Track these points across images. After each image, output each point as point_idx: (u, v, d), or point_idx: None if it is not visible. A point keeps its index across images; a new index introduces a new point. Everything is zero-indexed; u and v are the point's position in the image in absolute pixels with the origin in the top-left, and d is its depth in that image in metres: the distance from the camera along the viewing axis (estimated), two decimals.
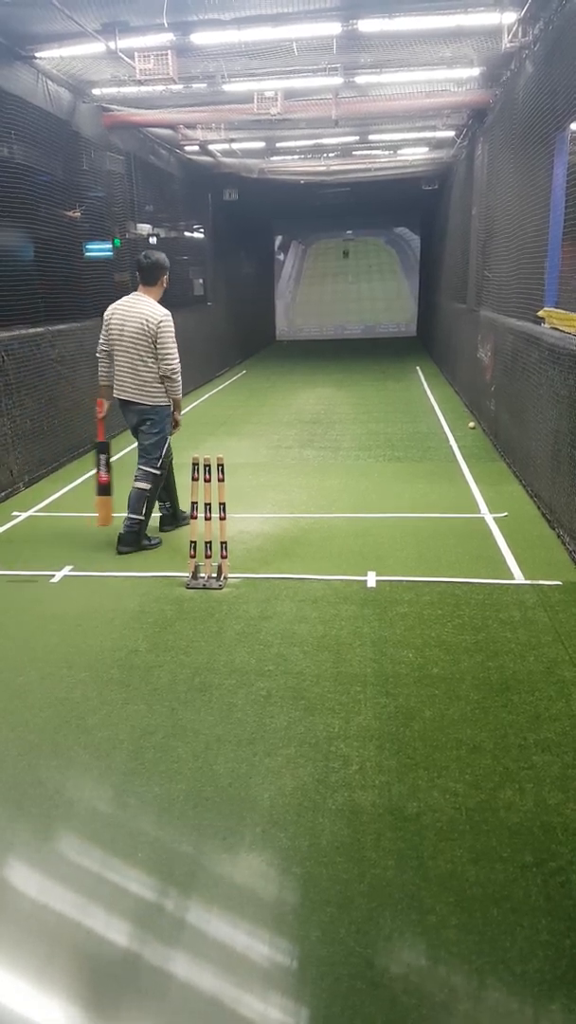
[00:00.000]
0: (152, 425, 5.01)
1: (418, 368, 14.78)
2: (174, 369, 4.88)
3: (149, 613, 4.07)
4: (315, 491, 6.32)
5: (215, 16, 6.50)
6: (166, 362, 4.84)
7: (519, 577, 4.38)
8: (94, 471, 5.33)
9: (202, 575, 4.43)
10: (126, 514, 4.99)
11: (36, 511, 5.96)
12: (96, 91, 8.42)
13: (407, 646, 3.60)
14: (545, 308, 5.90)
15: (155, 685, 3.34)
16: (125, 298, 4.99)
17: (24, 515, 5.84)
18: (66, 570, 4.67)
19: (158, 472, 5.04)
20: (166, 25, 6.51)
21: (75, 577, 4.59)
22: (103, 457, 5.18)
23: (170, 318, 4.87)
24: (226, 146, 11.66)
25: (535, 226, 6.30)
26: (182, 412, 5.26)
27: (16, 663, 3.57)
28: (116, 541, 4.98)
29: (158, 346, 4.81)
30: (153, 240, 11.27)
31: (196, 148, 11.56)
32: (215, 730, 2.99)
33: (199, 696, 3.24)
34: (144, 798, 2.62)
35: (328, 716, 3.06)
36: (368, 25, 6.65)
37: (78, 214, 8.22)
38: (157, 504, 5.29)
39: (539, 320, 5.93)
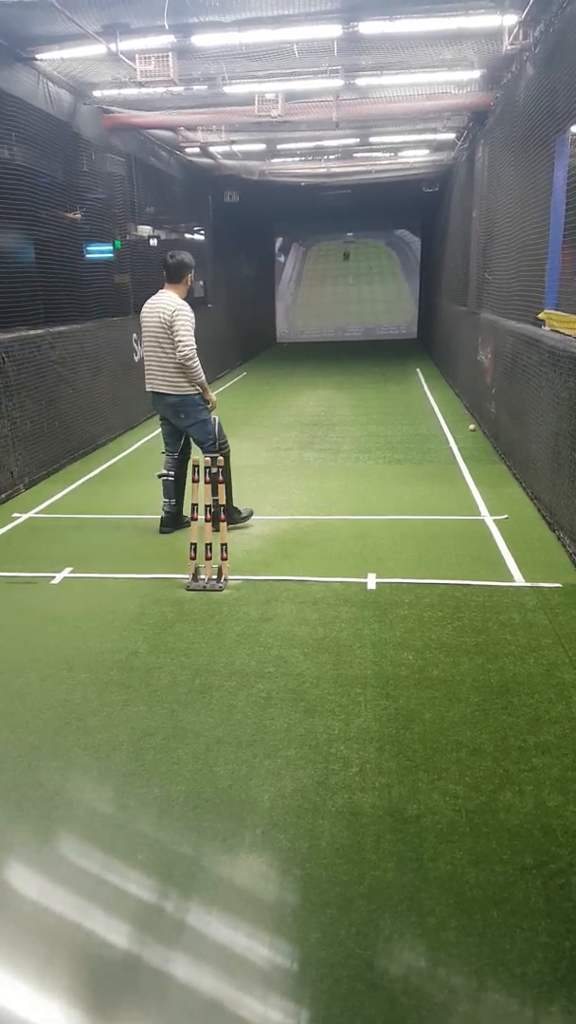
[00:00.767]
0: (187, 416, 5.17)
1: (418, 370, 14.79)
2: (187, 355, 4.98)
3: (149, 615, 4.07)
4: (315, 493, 6.32)
5: (216, 18, 6.51)
6: (179, 349, 4.97)
7: (519, 579, 4.38)
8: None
9: (202, 577, 4.43)
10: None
11: (36, 512, 5.96)
12: (97, 93, 8.43)
13: (407, 648, 3.60)
14: (545, 310, 5.90)
15: (155, 687, 3.34)
16: (152, 297, 5.18)
17: (24, 516, 5.84)
18: (66, 572, 4.67)
19: (220, 453, 5.08)
20: (167, 27, 6.51)
21: (75, 579, 4.59)
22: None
23: (186, 307, 5.03)
24: (227, 148, 11.68)
25: (535, 229, 6.31)
26: (212, 393, 5.32)
27: (16, 664, 3.57)
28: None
29: (172, 333, 4.97)
30: (154, 242, 11.28)
31: (197, 150, 11.58)
32: (215, 732, 2.99)
33: (199, 698, 3.24)
34: (144, 799, 2.62)
35: (328, 718, 3.06)
36: (369, 27, 6.66)
37: (78, 216, 8.22)
38: (162, 501, 5.34)
39: (539, 322, 5.94)
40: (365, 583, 4.36)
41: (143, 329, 5.16)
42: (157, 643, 3.74)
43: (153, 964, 1.99)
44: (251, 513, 5.49)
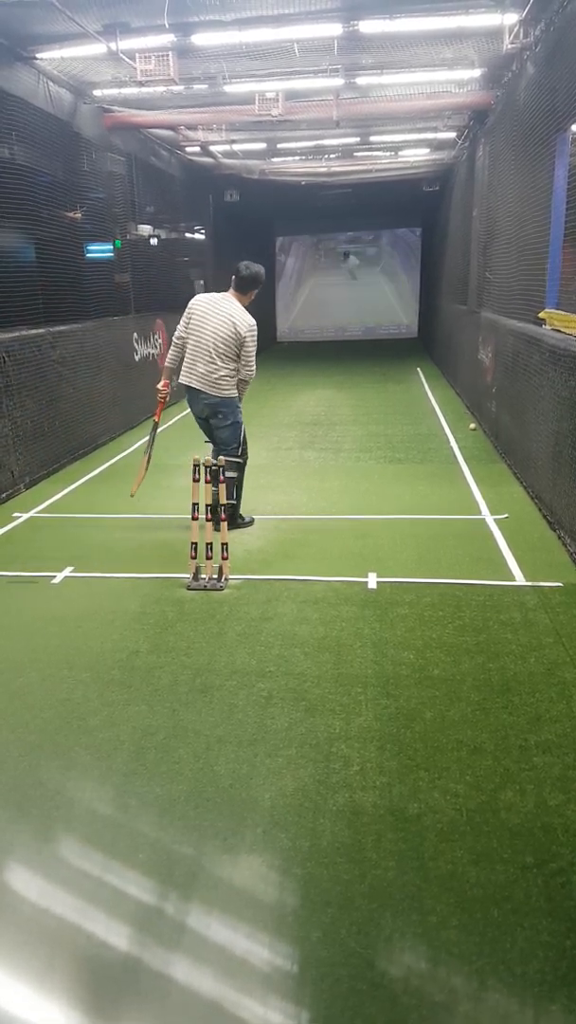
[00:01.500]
0: (224, 417, 5.16)
1: (419, 369, 14.78)
2: (253, 376, 5.17)
3: (150, 614, 4.07)
4: (316, 493, 6.32)
5: (216, 17, 6.50)
6: (248, 368, 5.09)
7: (520, 579, 4.38)
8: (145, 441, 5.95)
9: (203, 576, 4.43)
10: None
11: (37, 512, 5.96)
12: (97, 92, 8.43)
13: (408, 647, 3.60)
14: (546, 310, 5.90)
15: (156, 686, 3.34)
16: (214, 294, 5.11)
17: (25, 516, 5.84)
18: (67, 571, 4.67)
19: (240, 460, 5.22)
20: (167, 26, 6.51)
21: (76, 578, 4.60)
22: (155, 435, 5.77)
23: (256, 328, 5.04)
24: (227, 147, 11.67)
25: (536, 228, 6.30)
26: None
27: (17, 664, 3.57)
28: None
29: (243, 352, 5.01)
30: (154, 241, 11.27)
31: (197, 149, 11.57)
32: (216, 731, 2.99)
33: (200, 697, 3.24)
34: (145, 799, 2.62)
35: (329, 717, 3.06)
36: (369, 26, 6.66)
37: (79, 215, 8.22)
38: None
39: (540, 322, 5.93)
40: (366, 582, 4.36)
41: (196, 320, 4.96)
42: (158, 642, 3.75)
43: (153, 964, 1.99)
44: (252, 521, 5.49)
